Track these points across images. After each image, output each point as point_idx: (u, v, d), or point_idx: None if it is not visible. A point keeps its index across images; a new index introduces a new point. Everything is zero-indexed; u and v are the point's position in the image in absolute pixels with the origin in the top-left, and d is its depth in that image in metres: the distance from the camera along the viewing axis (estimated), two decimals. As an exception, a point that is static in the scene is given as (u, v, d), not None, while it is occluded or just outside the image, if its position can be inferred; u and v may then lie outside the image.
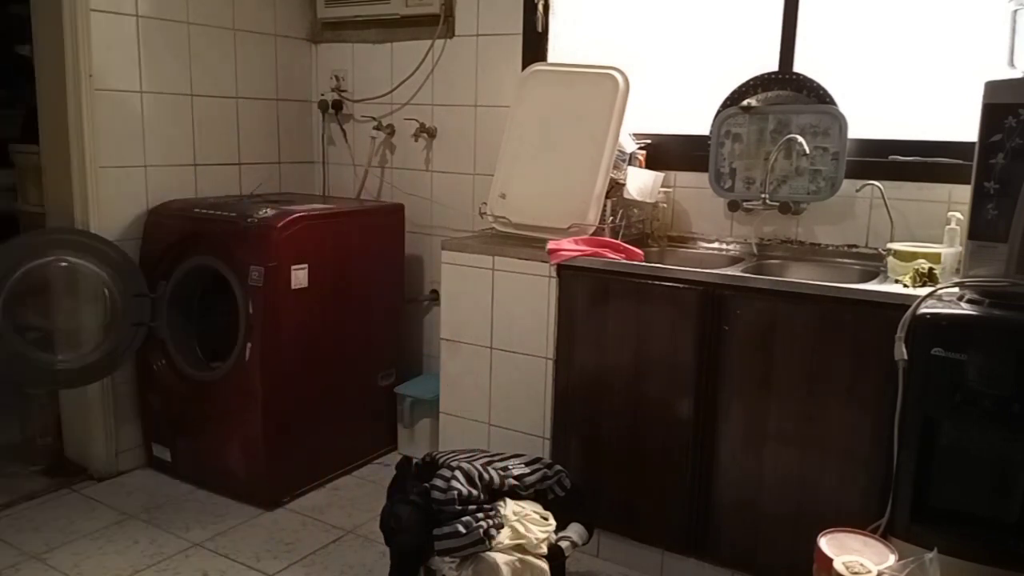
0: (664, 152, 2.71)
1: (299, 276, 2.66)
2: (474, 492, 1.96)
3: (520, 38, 2.92)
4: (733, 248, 2.61)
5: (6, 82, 4.12)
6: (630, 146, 2.59)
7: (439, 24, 3.06)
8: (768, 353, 2.05)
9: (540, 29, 2.88)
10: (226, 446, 2.74)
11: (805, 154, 2.38)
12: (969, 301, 1.80)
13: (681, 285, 2.15)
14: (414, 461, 2.17)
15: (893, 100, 2.43)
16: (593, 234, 2.42)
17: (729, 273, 2.16)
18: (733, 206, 2.55)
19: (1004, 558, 1.71)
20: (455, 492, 1.93)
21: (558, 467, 2.18)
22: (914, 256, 2.05)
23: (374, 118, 3.29)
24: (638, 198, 2.54)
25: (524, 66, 2.85)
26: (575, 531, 2.08)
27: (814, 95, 2.43)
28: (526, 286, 2.40)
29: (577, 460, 2.36)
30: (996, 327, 1.70)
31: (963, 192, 1.95)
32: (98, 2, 2.67)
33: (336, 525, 2.63)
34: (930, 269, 1.98)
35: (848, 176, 2.37)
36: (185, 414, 2.82)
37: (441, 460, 2.08)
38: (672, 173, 2.70)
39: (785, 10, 2.50)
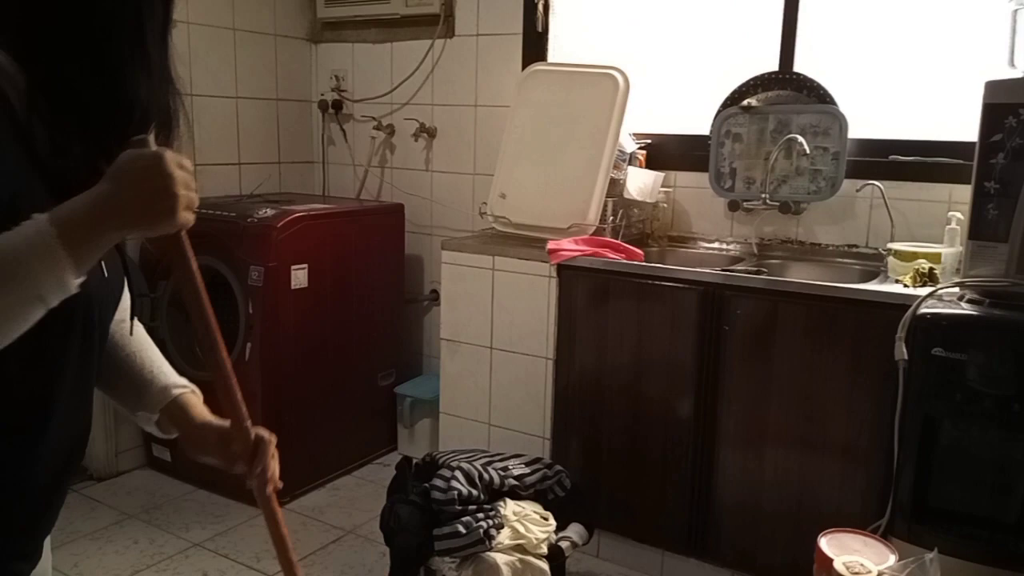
0: (664, 152, 2.70)
1: (299, 276, 2.66)
2: (474, 492, 1.96)
3: (520, 38, 2.92)
4: (733, 248, 2.60)
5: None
6: (630, 146, 2.59)
7: (439, 24, 3.06)
8: (768, 353, 2.05)
9: (540, 29, 2.88)
10: (226, 446, 2.73)
11: (805, 154, 2.38)
12: (969, 301, 1.80)
13: (681, 285, 2.15)
14: (414, 461, 2.16)
15: (893, 100, 2.42)
16: (593, 234, 2.41)
17: (729, 273, 2.16)
18: (733, 206, 2.55)
19: (1004, 558, 1.71)
20: (455, 492, 1.92)
21: (558, 467, 2.18)
22: (914, 256, 2.05)
23: (374, 118, 3.29)
24: (638, 198, 2.54)
25: (524, 66, 2.85)
26: (575, 531, 2.07)
27: (814, 95, 2.42)
28: (526, 286, 2.39)
29: (577, 460, 2.36)
30: (996, 327, 1.70)
31: (963, 192, 1.95)
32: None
33: (336, 525, 2.63)
34: (930, 269, 1.98)
35: (848, 176, 2.36)
36: (185, 414, 2.81)
37: (441, 460, 2.08)
38: (672, 173, 2.69)
39: (785, 10, 2.50)
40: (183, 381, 1.08)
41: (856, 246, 2.44)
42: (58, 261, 0.69)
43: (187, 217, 0.77)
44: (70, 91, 0.77)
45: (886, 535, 1.82)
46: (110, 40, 0.78)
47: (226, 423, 1.03)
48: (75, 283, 0.71)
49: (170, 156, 0.75)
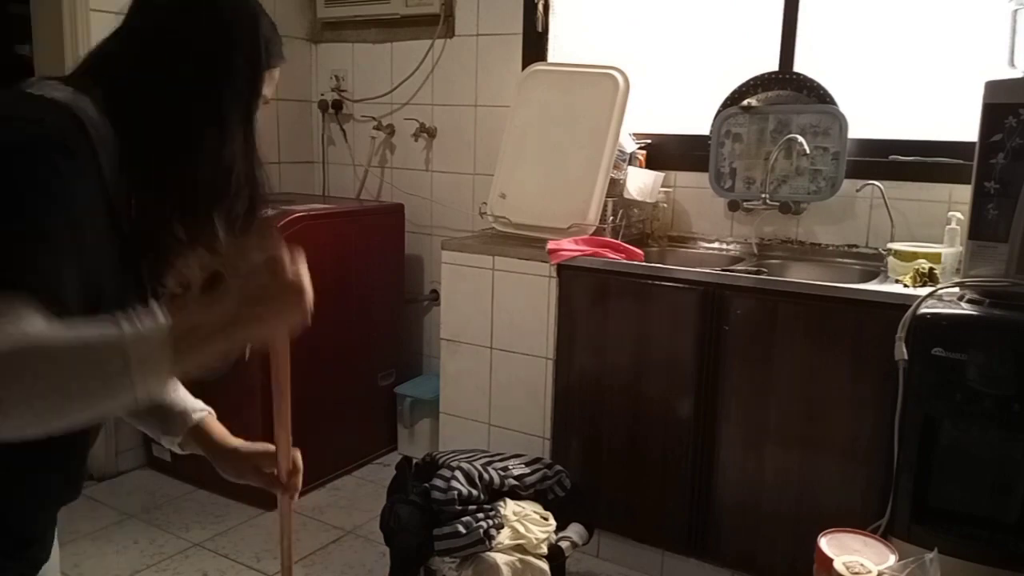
0: (664, 152, 2.70)
1: (299, 276, 2.66)
2: (474, 492, 1.96)
3: (520, 38, 2.92)
4: (733, 248, 2.60)
5: (6, 82, 4.12)
6: (630, 146, 2.59)
7: (439, 24, 3.06)
8: (768, 353, 2.05)
9: (540, 29, 2.88)
10: (226, 446, 2.73)
11: (805, 154, 2.38)
12: (969, 301, 1.80)
13: (681, 285, 2.15)
14: (414, 461, 2.17)
15: (893, 100, 2.42)
16: (593, 234, 2.41)
17: (729, 273, 2.16)
18: (733, 206, 2.55)
19: (1004, 558, 1.71)
20: (455, 492, 1.92)
21: (558, 467, 2.18)
22: (914, 256, 2.05)
23: (374, 118, 3.29)
24: (638, 198, 2.54)
25: (524, 66, 2.85)
26: (575, 531, 2.08)
27: (814, 95, 2.42)
28: (526, 286, 2.39)
29: (577, 460, 2.35)
30: (996, 327, 1.70)
31: (963, 192, 1.95)
32: (98, 2, 2.67)
33: (336, 525, 2.63)
34: (930, 269, 1.98)
35: (848, 176, 2.36)
36: (185, 414, 2.81)
37: (441, 460, 2.08)
38: (672, 173, 2.69)
39: (785, 10, 2.50)
40: (200, 404, 1.12)
41: (856, 246, 2.44)
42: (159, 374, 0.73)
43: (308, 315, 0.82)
44: (157, 161, 0.84)
45: (886, 535, 1.82)
46: (191, 117, 0.87)
47: (251, 446, 1.10)
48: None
49: (299, 270, 0.83)
